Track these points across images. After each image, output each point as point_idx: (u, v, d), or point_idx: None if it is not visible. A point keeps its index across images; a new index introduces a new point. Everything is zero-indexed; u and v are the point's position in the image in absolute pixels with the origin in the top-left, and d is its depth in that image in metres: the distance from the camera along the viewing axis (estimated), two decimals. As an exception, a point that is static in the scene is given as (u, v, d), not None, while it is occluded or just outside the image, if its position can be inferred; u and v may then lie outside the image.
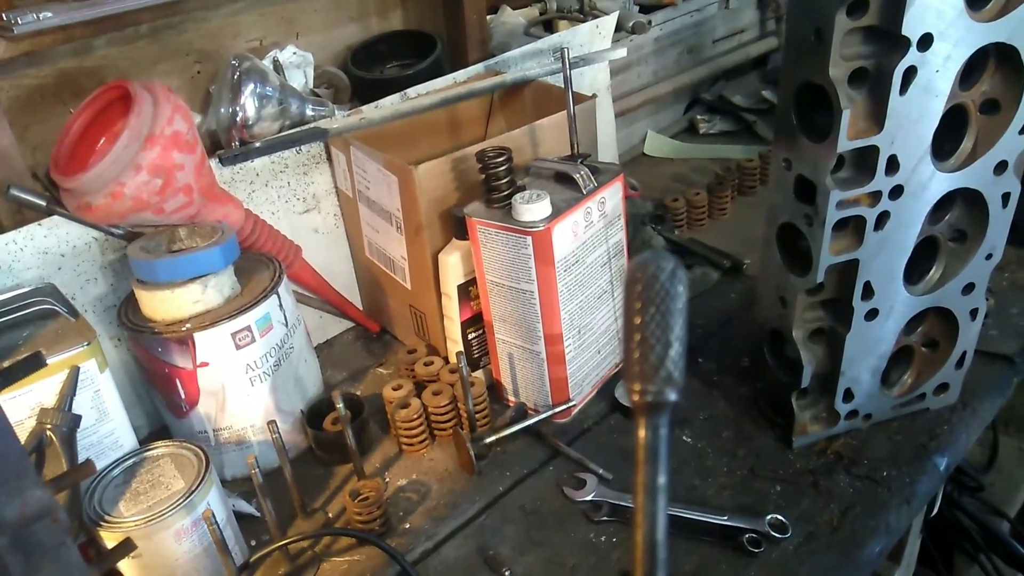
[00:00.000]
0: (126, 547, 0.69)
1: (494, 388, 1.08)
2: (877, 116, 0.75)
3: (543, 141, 1.09)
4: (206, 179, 0.96)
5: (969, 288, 0.89)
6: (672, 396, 0.37)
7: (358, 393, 1.12)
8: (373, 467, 1.00)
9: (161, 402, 0.98)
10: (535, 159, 1.03)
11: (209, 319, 0.90)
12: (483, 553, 0.85)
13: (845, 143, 0.74)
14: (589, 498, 0.90)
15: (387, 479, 0.98)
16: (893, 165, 0.77)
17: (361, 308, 1.28)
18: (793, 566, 0.81)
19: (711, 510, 0.86)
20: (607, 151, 1.56)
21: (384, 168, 1.03)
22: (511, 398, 1.07)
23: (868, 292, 0.85)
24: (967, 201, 0.85)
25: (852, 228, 0.82)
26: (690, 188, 1.56)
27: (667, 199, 1.46)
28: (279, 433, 0.86)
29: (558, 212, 0.92)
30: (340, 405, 0.90)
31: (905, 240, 0.83)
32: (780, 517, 0.84)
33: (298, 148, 1.13)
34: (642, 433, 0.38)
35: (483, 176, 0.95)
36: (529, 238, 0.90)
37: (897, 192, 0.79)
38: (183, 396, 0.94)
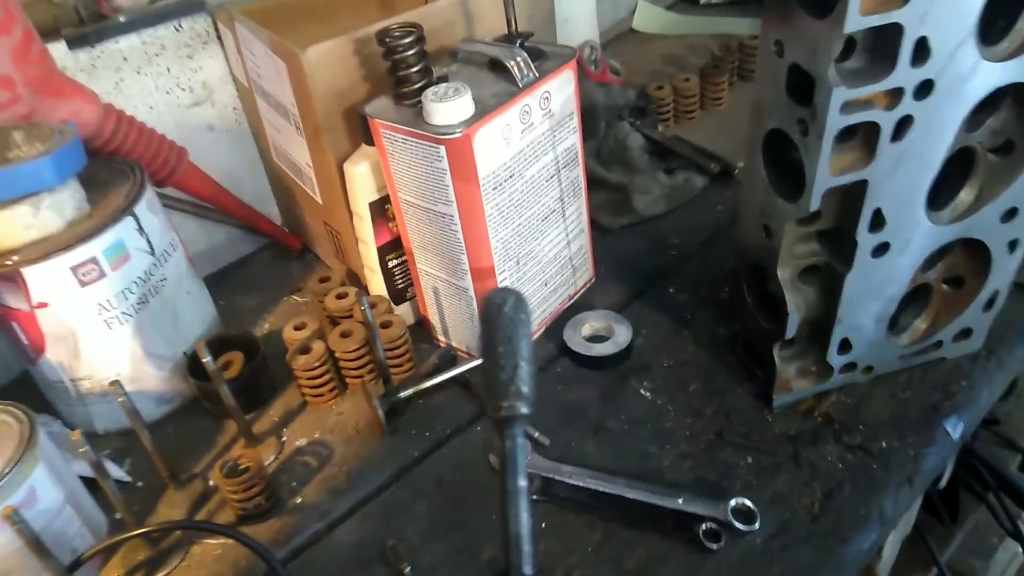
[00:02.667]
0: None
1: (422, 325, 0.90)
2: (906, -20, 0.52)
3: (481, 15, 0.86)
4: (36, 68, 0.75)
5: (1011, 214, 0.68)
6: (524, 409, 0.41)
7: (263, 328, 0.95)
8: (271, 421, 0.84)
9: (10, 346, 0.81)
10: (463, 40, 0.80)
11: (41, 251, 0.72)
12: (383, 540, 0.70)
13: (856, 19, 0.52)
14: (518, 469, 0.74)
15: (284, 438, 0.82)
16: (923, 51, 0.55)
17: (280, 222, 1.09)
18: (761, 565, 0.65)
19: (664, 489, 0.69)
20: (582, 26, 1.31)
21: (271, 51, 0.81)
22: (440, 338, 0.89)
23: (878, 221, 0.65)
24: (1019, 99, 0.63)
25: (861, 139, 0.61)
26: (683, 71, 1.33)
27: (651, 86, 1.23)
28: (126, 395, 0.69)
29: (483, 112, 0.71)
30: (206, 359, 0.72)
31: (932, 154, 0.62)
32: (747, 502, 0.68)
33: (177, 25, 0.90)
34: (502, 443, 0.42)
35: (388, 64, 0.73)
36: (442, 147, 0.70)
37: (926, 89, 0.57)
38: (26, 342, 0.77)
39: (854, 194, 0.63)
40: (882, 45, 0.56)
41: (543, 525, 0.70)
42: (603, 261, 0.98)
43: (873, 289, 0.69)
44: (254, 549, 0.64)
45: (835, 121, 0.57)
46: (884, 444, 0.73)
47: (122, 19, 0.87)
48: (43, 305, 0.74)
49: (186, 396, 0.86)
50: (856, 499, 0.69)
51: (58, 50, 0.83)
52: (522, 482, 0.42)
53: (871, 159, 0.60)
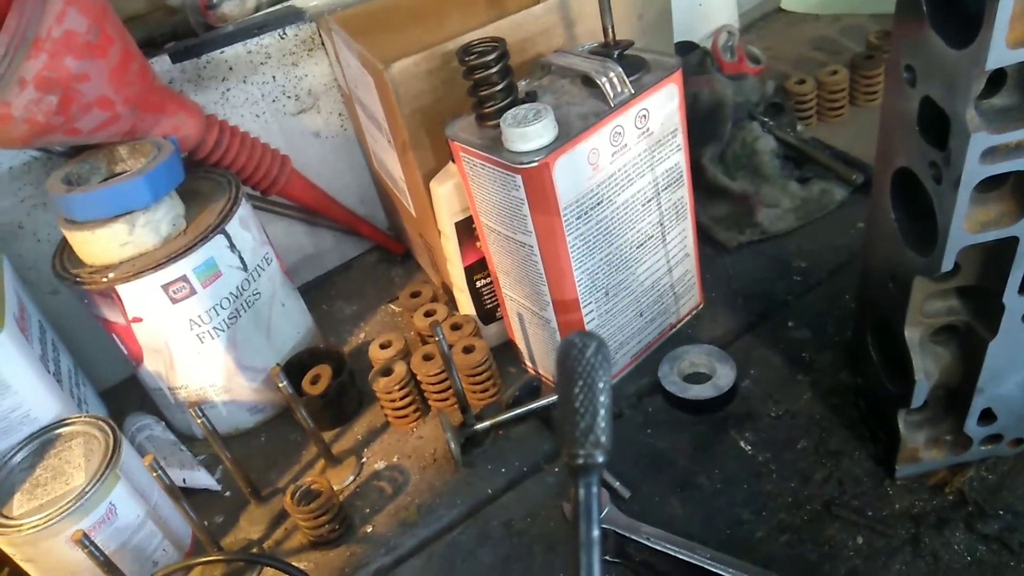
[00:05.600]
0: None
1: (510, 348, 0.86)
2: (1077, -1, 0.41)
3: (583, 18, 0.79)
4: (136, 86, 0.76)
5: None
6: (600, 459, 0.40)
7: (358, 338, 0.94)
8: (354, 439, 0.83)
9: (120, 349, 0.85)
10: (556, 51, 0.74)
11: (135, 268, 0.74)
12: (445, 585, 0.67)
13: (1002, 52, 0.41)
14: (593, 523, 0.68)
15: (364, 459, 0.81)
16: (1102, 86, 0.43)
17: (386, 226, 1.08)
18: (857, 671, 0.57)
19: (753, 568, 0.62)
20: (719, 9, 1.20)
21: (361, 64, 0.79)
22: (528, 363, 0.84)
23: (1033, 284, 0.53)
24: None
25: (1011, 188, 0.49)
26: (833, 59, 1.19)
27: (791, 81, 1.10)
28: (205, 416, 0.70)
29: (566, 137, 0.64)
30: (282, 384, 0.72)
31: (1111, 206, 0.49)
32: (848, 596, 0.59)
33: (281, 32, 0.90)
34: (576, 492, 0.40)
35: (469, 82, 0.68)
36: (518, 177, 0.64)
37: (1104, 131, 0.45)
38: (125, 352, 0.81)
39: (1001, 250, 0.52)
40: (1041, 79, 0.44)
41: (612, 590, 0.65)
42: (715, 284, 0.89)
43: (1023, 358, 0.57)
44: (308, 590, 0.63)
45: (974, 172, 0.46)
46: (1029, 539, 0.61)
47: (230, 28, 0.87)
48: (138, 320, 0.76)
49: (279, 406, 0.87)
50: (985, 606, 0.58)
51: (165, 62, 0.85)
52: (596, 532, 0.40)
53: (1023, 214, 0.49)
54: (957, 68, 0.44)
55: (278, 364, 0.80)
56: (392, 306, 0.99)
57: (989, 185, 0.48)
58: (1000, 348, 0.56)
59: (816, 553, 0.63)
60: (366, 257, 1.09)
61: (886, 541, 0.63)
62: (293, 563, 0.71)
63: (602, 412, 0.40)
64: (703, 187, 1.00)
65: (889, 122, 0.55)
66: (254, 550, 0.74)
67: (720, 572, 0.62)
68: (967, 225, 0.50)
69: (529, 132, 0.63)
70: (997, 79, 0.45)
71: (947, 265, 0.52)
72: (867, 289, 0.66)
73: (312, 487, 0.72)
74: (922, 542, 0.62)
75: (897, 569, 0.61)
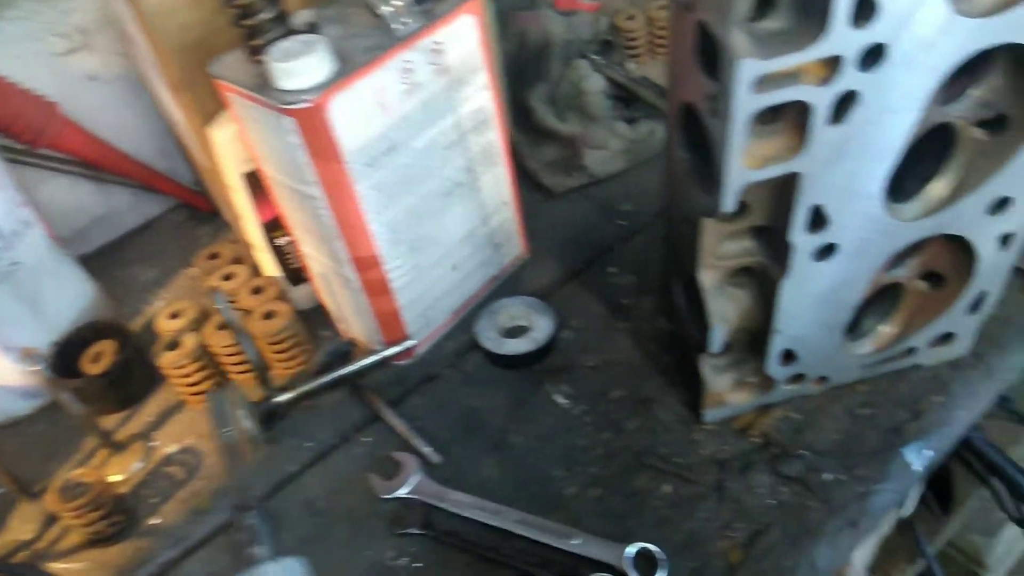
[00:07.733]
0: None
1: (322, 310, 0.79)
2: (837, -92, 0.37)
3: (378, -56, 0.71)
4: None
5: (1001, 204, 0.54)
6: None
7: (156, 308, 0.85)
8: (143, 422, 0.75)
9: None
10: (339, -22, 0.66)
11: None
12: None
13: (761, -32, 0.38)
14: (399, 494, 0.64)
15: (153, 443, 0.73)
16: (867, 5, 0.41)
17: (191, 180, 0.97)
18: (660, 625, 0.55)
19: (558, 527, 0.59)
20: (550, -54, 1.13)
21: (118, -6, 0.68)
22: (341, 325, 0.78)
23: (819, 220, 0.51)
24: (1015, 62, 0.48)
25: (791, 120, 0.46)
26: (667, -3, 1.16)
27: (620, 16, 1.06)
28: (-58, 409, 0.61)
29: (344, 73, 0.57)
30: (39, 367, 0.63)
31: (888, 137, 0.48)
32: (650, 547, 0.57)
33: (34, -41, 0.78)
34: None
35: (235, 11, 0.60)
36: (290, 119, 0.57)
37: (875, 56, 0.43)
38: None
39: (787, 186, 0.49)
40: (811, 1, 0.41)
41: (417, 567, 0.60)
42: (541, 232, 0.85)
43: (818, 296, 0.56)
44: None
45: (745, 101, 0.43)
46: (826, 477, 0.61)
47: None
48: None
49: (58, 388, 0.78)
50: (784, 546, 0.58)
51: None
52: None
53: (802, 147, 0.46)
54: (723, -13, 0.41)
55: (49, 345, 0.71)
56: (193, 271, 0.90)
57: (769, 117, 0.46)
58: (792, 287, 0.55)
59: (625, 505, 0.62)
60: (171, 216, 0.98)
61: (692, 488, 0.62)
62: (69, 563, 0.64)
63: None
64: (531, 130, 0.96)
65: (673, 53, 0.51)
66: (21, 553, 0.65)
67: (525, 534, 0.59)
68: (748, 161, 0.47)
69: (297, 67, 0.56)
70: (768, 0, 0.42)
71: (728, 205, 0.49)
72: (670, 233, 0.63)
73: (82, 480, 0.64)
74: (726, 488, 0.61)
75: (702, 517, 0.60)
